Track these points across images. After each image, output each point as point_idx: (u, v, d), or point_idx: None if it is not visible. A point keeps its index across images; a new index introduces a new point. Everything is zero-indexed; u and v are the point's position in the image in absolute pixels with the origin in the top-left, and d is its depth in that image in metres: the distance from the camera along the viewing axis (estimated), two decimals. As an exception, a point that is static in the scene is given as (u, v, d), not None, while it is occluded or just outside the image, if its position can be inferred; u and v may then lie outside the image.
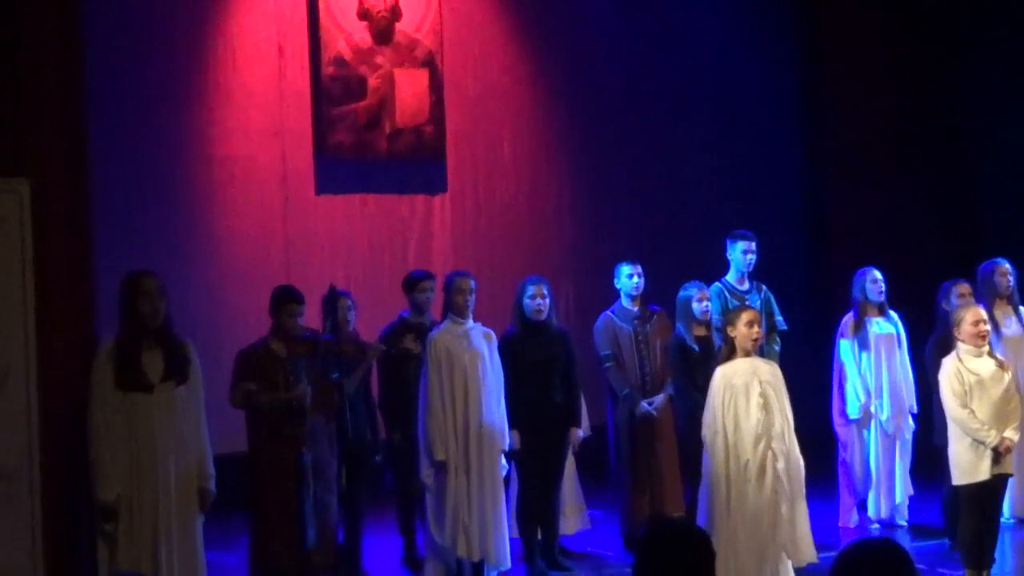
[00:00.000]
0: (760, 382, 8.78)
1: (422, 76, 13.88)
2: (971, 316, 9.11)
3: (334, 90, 13.62)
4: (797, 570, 8.93)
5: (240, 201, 13.31)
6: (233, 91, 13.28)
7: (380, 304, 11.52)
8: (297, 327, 8.88)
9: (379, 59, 13.75)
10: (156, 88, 12.87)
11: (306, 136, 13.53)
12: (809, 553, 8.86)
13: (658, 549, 4.08)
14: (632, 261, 10.73)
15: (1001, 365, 9.12)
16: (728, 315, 9.17)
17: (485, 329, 9.66)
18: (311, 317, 9.35)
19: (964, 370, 9.01)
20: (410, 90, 13.82)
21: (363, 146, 13.69)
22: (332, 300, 9.23)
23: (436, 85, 13.91)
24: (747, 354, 8.85)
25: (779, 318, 10.97)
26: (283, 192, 13.46)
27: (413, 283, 10.36)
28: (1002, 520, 9.81)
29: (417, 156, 13.85)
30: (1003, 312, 10.86)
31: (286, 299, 8.96)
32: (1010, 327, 10.94)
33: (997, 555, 9.26)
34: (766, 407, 8.74)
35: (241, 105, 13.31)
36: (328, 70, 13.58)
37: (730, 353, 8.87)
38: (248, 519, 8.99)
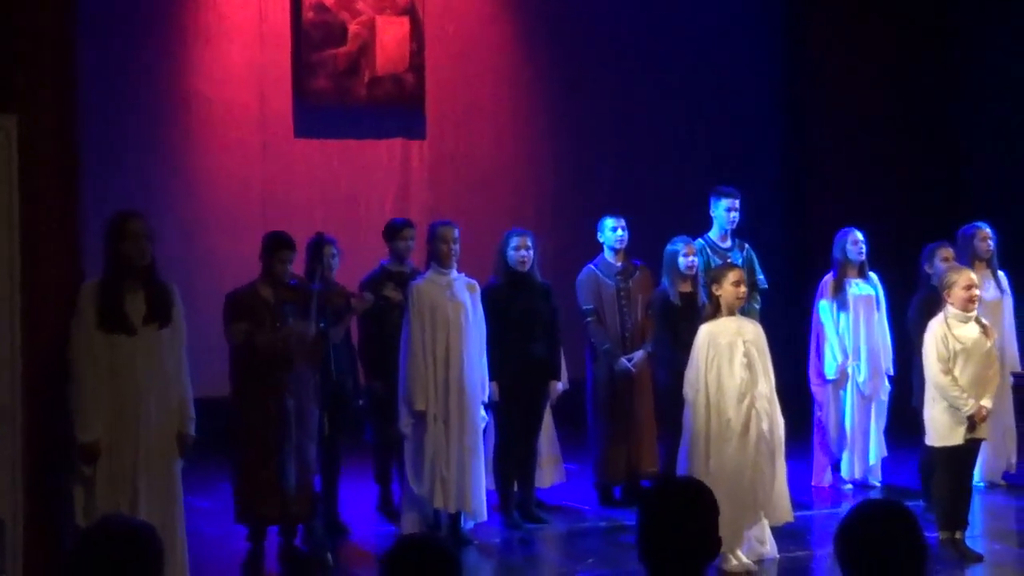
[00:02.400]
0: (744, 342, 8.79)
1: (403, 23, 13.78)
2: (963, 280, 9.11)
3: (314, 35, 13.52)
4: (772, 529, 8.97)
5: (218, 142, 13.23)
6: (213, 30, 13.18)
7: (358, 250, 11.44)
8: (286, 273, 8.87)
9: (360, 5, 13.65)
10: (141, 25, 12.83)
11: (285, 80, 13.45)
12: (787, 512, 8.91)
13: (664, 505, 4.06)
14: (616, 214, 10.70)
15: (986, 331, 9.14)
16: (714, 273, 9.15)
17: (469, 280, 9.62)
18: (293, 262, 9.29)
19: (950, 336, 9.02)
20: (391, 37, 13.72)
21: (342, 92, 13.61)
22: (319, 247, 9.18)
23: (417, 32, 13.82)
24: (732, 313, 8.85)
25: (760, 276, 10.96)
26: (261, 134, 13.38)
27: (394, 231, 10.30)
28: (974, 484, 9.88)
29: (396, 103, 13.78)
30: (982, 276, 10.84)
31: (279, 245, 8.94)
32: (988, 291, 10.96)
33: (969, 518, 9.32)
34: (750, 367, 8.75)
35: (221, 45, 13.21)
36: (308, 15, 13.47)
37: (715, 311, 8.87)
38: (231, 465, 8.98)
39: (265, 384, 8.69)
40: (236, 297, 8.95)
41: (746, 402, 8.71)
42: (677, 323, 10.02)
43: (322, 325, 8.70)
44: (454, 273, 9.56)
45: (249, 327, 8.75)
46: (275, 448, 8.65)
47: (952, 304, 9.07)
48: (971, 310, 9.07)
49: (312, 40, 13.49)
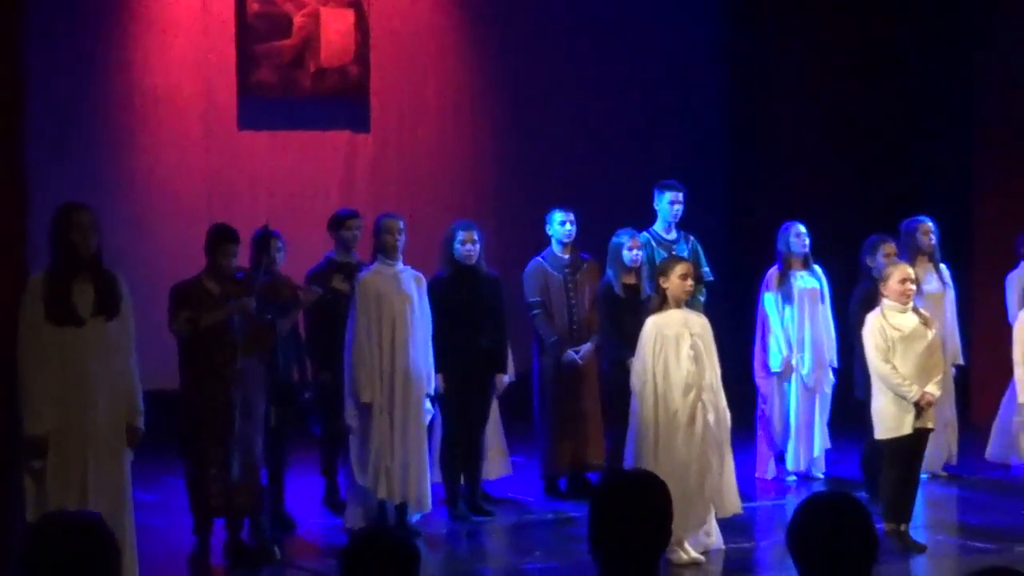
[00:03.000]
0: (691, 334, 8.83)
1: (348, 15, 13.73)
2: (898, 274, 9.21)
3: (259, 27, 13.44)
4: (717, 520, 9.02)
5: (163, 133, 13.15)
6: (156, 22, 13.10)
7: (303, 242, 11.40)
8: (232, 266, 8.84)
9: (305, -4, 13.60)
10: (85, 17, 12.73)
11: (230, 71, 13.37)
12: (735, 504, 8.96)
13: (616, 497, 4.04)
14: (565, 208, 10.72)
15: (925, 321, 9.23)
16: (662, 266, 9.18)
17: (415, 272, 9.63)
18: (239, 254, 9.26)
19: (888, 326, 9.11)
20: (336, 29, 13.67)
21: (287, 84, 13.54)
22: (264, 239, 9.15)
23: (362, 24, 13.76)
24: (679, 305, 8.88)
25: (705, 269, 11.01)
26: (205, 126, 13.30)
27: (340, 221, 10.28)
28: (916, 475, 9.98)
29: (341, 95, 13.73)
30: (924, 269, 10.97)
31: (224, 238, 8.90)
32: (931, 284, 11.07)
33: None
34: (697, 359, 8.79)
35: (165, 37, 13.12)
36: (253, 6, 13.38)
37: (662, 304, 8.90)
38: (183, 458, 8.93)
39: (214, 376, 8.67)
40: (181, 289, 8.90)
41: (693, 394, 8.75)
42: (621, 315, 10.06)
43: (269, 317, 8.68)
44: (400, 265, 9.56)
45: (191, 313, 8.70)
46: (222, 440, 8.64)
47: (888, 297, 9.16)
48: (906, 303, 9.16)
49: (256, 32, 13.42)
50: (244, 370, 8.69)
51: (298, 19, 13.55)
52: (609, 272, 10.32)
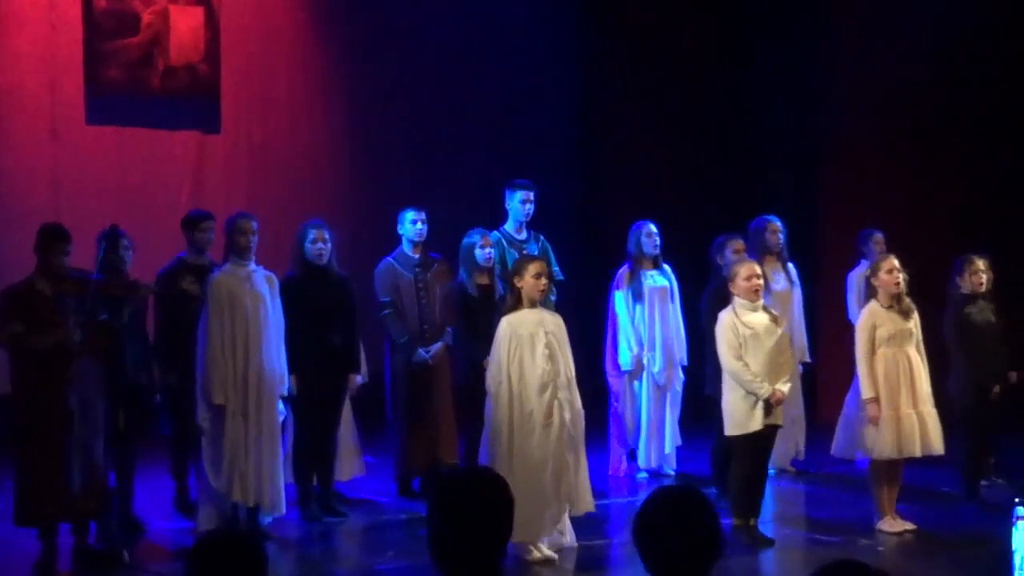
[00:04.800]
0: (546, 333, 8.84)
1: (197, 13, 13.60)
2: (745, 271, 9.34)
3: (106, 24, 13.24)
4: (571, 518, 9.06)
5: (6, 130, 12.88)
6: (1, 16, 12.84)
7: (153, 241, 11.27)
8: (64, 266, 8.65)
9: (153, -7, 13.43)
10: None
11: (77, 68, 13.14)
12: (589, 502, 8.99)
13: (455, 497, 4.00)
14: (417, 207, 10.71)
15: (775, 320, 9.38)
16: (516, 265, 9.17)
17: (267, 272, 9.55)
18: (83, 253, 9.10)
19: (740, 323, 9.24)
20: (185, 26, 13.53)
21: (136, 82, 13.36)
22: (112, 239, 9.01)
23: (212, 22, 13.64)
24: (533, 305, 8.89)
25: (556, 268, 11.03)
26: (51, 122, 13.06)
27: (193, 223, 10.17)
28: (765, 471, 10.13)
29: (191, 94, 13.58)
30: (772, 268, 11.14)
31: (54, 237, 8.71)
32: (779, 283, 11.26)
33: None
34: (552, 358, 8.81)
35: (9, 32, 12.87)
36: (100, 3, 13.19)
37: (516, 303, 8.91)
38: (13, 463, 8.76)
39: (46, 380, 8.48)
40: (11, 294, 8.65)
41: (548, 393, 8.76)
42: (474, 315, 10.08)
43: (104, 317, 8.54)
44: (252, 265, 9.48)
45: (23, 330, 8.51)
46: (58, 445, 8.47)
47: (738, 295, 9.29)
48: (755, 300, 9.29)
49: (104, 29, 13.21)
50: (81, 372, 8.53)
51: (146, 16, 13.38)
52: (462, 272, 10.33)
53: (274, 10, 14.02)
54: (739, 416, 9.27)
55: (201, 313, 9.36)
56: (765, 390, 9.16)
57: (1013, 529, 7.44)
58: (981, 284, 10.46)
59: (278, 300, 9.51)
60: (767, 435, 9.36)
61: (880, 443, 9.39)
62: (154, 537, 9.70)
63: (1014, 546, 7.51)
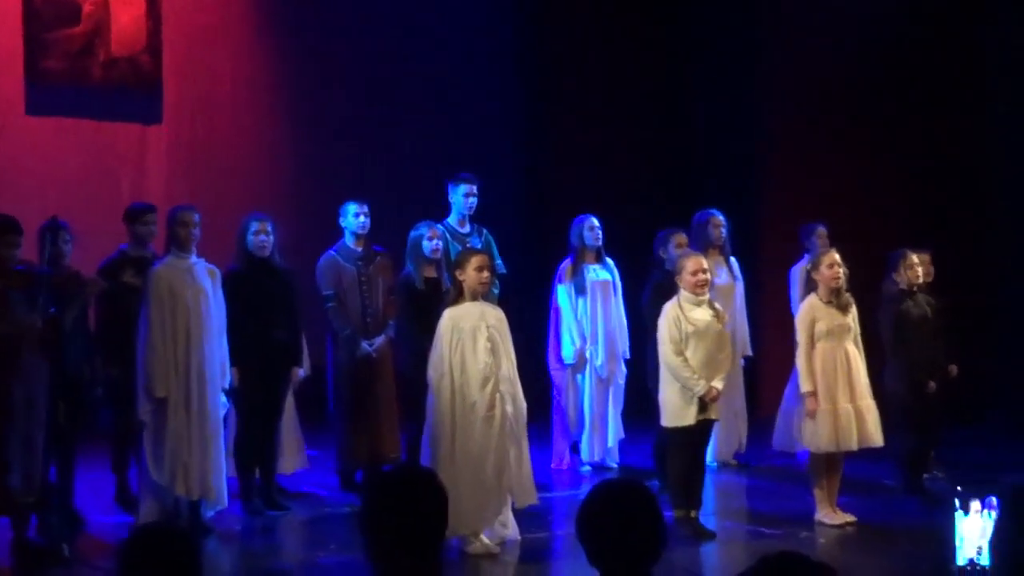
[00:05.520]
0: (488, 326, 8.84)
1: (139, 4, 13.52)
2: (692, 265, 9.36)
3: (45, 14, 13.15)
4: (514, 511, 9.07)
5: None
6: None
7: (94, 234, 11.19)
8: (14, 258, 8.60)
9: (93, -16, 13.33)
10: None
11: (17, 58, 13.04)
12: (531, 495, 8.99)
13: (387, 493, 4.02)
14: (360, 200, 10.69)
15: (718, 316, 9.41)
16: (458, 258, 9.19)
17: (209, 265, 9.50)
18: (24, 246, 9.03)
19: (683, 318, 9.26)
20: (127, 17, 13.44)
21: (76, 73, 13.27)
22: (52, 231, 8.95)
23: (154, 13, 13.55)
24: (475, 298, 8.89)
25: (499, 262, 11.05)
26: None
27: (136, 215, 10.10)
28: (706, 463, 10.16)
29: (133, 85, 13.50)
30: (715, 262, 11.17)
31: (5, 229, 8.66)
32: (722, 277, 11.30)
33: (702, 496, 9.58)
34: (493, 351, 8.81)
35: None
36: (39, -8, 13.10)
37: (458, 296, 8.91)
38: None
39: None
40: None
41: (490, 386, 8.76)
42: (422, 308, 10.07)
43: (52, 311, 8.48)
44: (194, 258, 9.42)
45: None
46: (2, 439, 8.41)
47: (683, 288, 9.32)
48: (701, 294, 9.33)
49: (44, 19, 13.11)
50: (26, 366, 8.47)
51: (87, 7, 13.30)
52: (409, 265, 10.33)
53: (217, 2, 13.95)
54: (675, 409, 9.30)
55: (142, 306, 9.29)
56: (701, 387, 9.19)
57: (954, 520, 7.51)
58: (917, 278, 10.53)
59: (220, 293, 9.46)
60: (701, 429, 9.40)
61: (818, 436, 9.45)
62: (95, 531, 9.62)
63: (955, 537, 7.58)
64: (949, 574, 7.69)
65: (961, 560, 7.59)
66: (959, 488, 7.76)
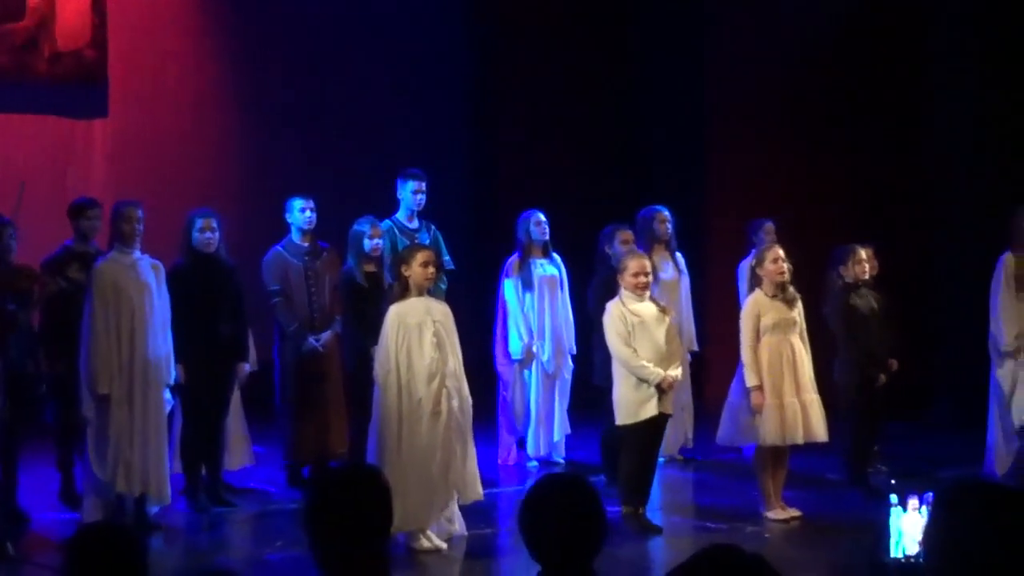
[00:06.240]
0: (434, 322, 8.85)
1: (84, -3, 13.42)
2: (634, 266, 9.38)
3: (-11, 8, 13.06)
4: (460, 506, 9.08)
5: None
6: None
7: (38, 229, 11.10)
8: None
9: (39, -23, 13.23)
10: None
11: (-40, 53, 12.95)
12: (477, 490, 9.01)
13: (330, 492, 4.00)
14: (305, 195, 10.67)
15: (662, 310, 9.44)
16: (403, 254, 9.19)
17: (153, 260, 9.46)
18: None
19: (627, 312, 9.29)
20: (72, 11, 13.35)
21: (21, 68, 13.18)
22: None
23: (99, 8, 13.46)
24: (421, 293, 8.90)
25: (447, 258, 11.07)
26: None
27: (79, 210, 10.05)
28: (653, 459, 10.21)
29: (78, 79, 13.40)
30: (661, 257, 11.22)
31: None
32: (667, 272, 11.33)
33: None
34: (439, 347, 8.81)
35: None
36: (-17, -13, 13.00)
37: (404, 292, 8.90)
38: None
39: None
40: None
41: (436, 382, 8.77)
42: (363, 304, 10.09)
43: (12, 307, 8.43)
44: (137, 253, 9.38)
45: None
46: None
47: (624, 288, 9.35)
48: (642, 296, 9.35)
49: (-13, 14, 13.02)
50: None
51: (32, 1, 13.19)
52: (350, 260, 10.32)
53: (163, -4, 13.89)
54: (630, 405, 9.32)
55: (85, 301, 9.24)
56: (656, 376, 9.21)
57: (890, 514, 7.57)
58: (864, 273, 10.59)
59: (164, 288, 9.43)
60: (656, 424, 9.42)
61: (764, 431, 9.49)
62: (39, 528, 9.58)
63: (890, 531, 7.64)
64: (883, 567, 7.75)
65: (897, 553, 7.66)
66: (893, 482, 7.83)
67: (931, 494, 7.04)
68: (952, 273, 13.47)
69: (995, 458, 10.83)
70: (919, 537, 7.42)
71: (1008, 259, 10.80)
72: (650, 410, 9.26)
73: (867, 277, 10.64)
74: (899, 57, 13.87)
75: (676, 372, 9.37)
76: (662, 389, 9.26)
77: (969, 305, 12.11)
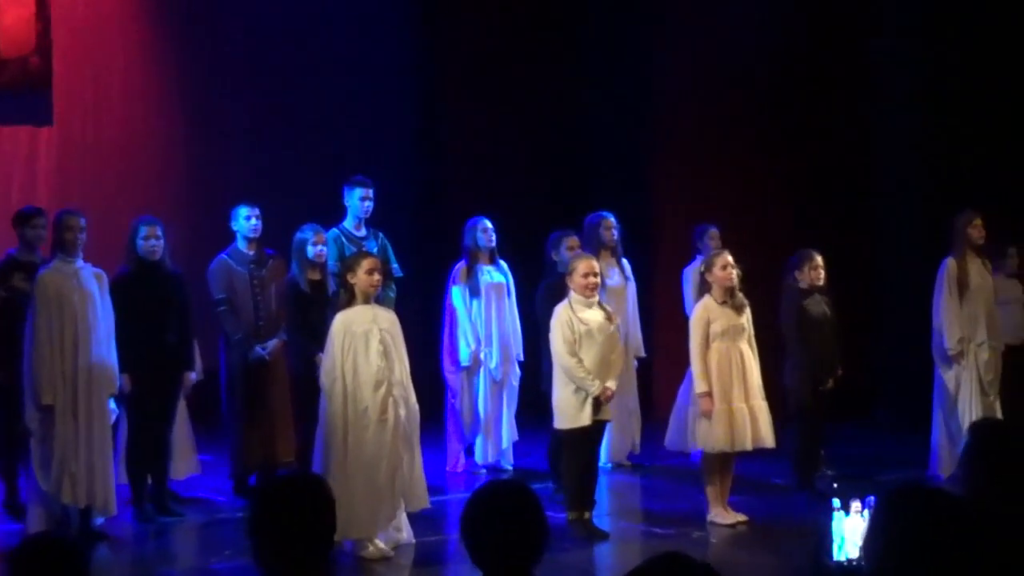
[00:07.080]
0: (380, 329, 8.84)
1: (28, 4, 13.32)
2: (583, 267, 9.41)
3: (-69, 16, 12.95)
4: (408, 514, 9.08)
5: None
6: None
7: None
8: None
9: (-20, -17, 13.13)
10: None
11: (-98, 62, 12.84)
12: (423, 498, 9.01)
13: (273, 500, 3.99)
14: (251, 203, 10.64)
15: (609, 317, 9.46)
16: (349, 261, 9.18)
17: (96, 269, 9.41)
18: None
19: (575, 319, 9.31)
20: (15, 17, 13.25)
21: (-36, 76, 13.08)
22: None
23: (43, 14, 13.37)
24: (367, 301, 8.89)
25: (395, 265, 11.05)
26: None
27: (24, 219, 10.00)
28: (600, 464, 10.24)
29: (22, 87, 13.30)
30: (607, 263, 11.24)
31: None
32: (613, 278, 11.36)
33: (596, 497, 9.65)
34: (386, 354, 8.80)
35: None
36: (-77, -6, 12.89)
37: (350, 299, 8.90)
38: None
39: None
40: None
41: (383, 390, 8.76)
42: (307, 311, 10.07)
43: None
44: (80, 262, 9.33)
45: None
46: None
47: (573, 290, 9.37)
48: (591, 296, 9.38)
49: (-71, 21, 12.92)
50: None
51: (-26, 9, 13.09)
52: (294, 268, 10.30)
53: (107, 3, 13.80)
54: (569, 411, 9.35)
55: (28, 311, 9.18)
56: (596, 387, 9.25)
57: (832, 517, 7.61)
58: (820, 278, 10.65)
59: (108, 297, 9.37)
60: (595, 429, 9.46)
61: (712, 436, 9.53)
62: (-18, 539, 9.52)
63: (831, 535, 7.68)
64: (825, 571, 7.79)
65: (839, 557, 7.70)
66: (836, 486, 7.87)
67: (872, 498, 7.12)
68: (894, 278, 13.57)
69: (939, 460, 10.94)
70: (860, 541, 7.47)
71: (950, 264, 10.91)
72: (588, 417, 9.29)
73: (822, 283, 10.69)
74: (840, 65, 13.95)
75: (613, 384, 9.41)
76: (599, 400, 9.29)
77: (911, 309, 12.20)
